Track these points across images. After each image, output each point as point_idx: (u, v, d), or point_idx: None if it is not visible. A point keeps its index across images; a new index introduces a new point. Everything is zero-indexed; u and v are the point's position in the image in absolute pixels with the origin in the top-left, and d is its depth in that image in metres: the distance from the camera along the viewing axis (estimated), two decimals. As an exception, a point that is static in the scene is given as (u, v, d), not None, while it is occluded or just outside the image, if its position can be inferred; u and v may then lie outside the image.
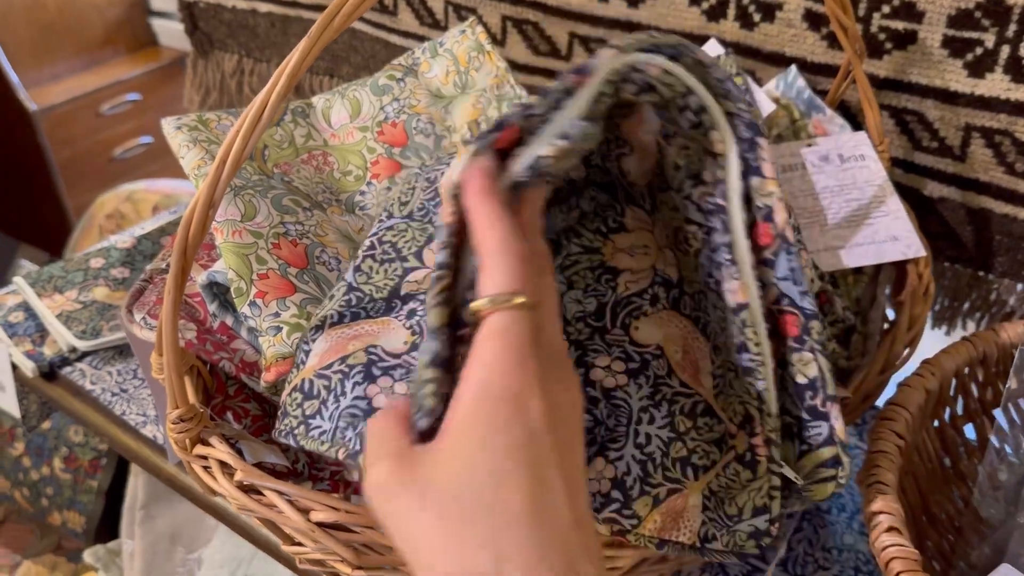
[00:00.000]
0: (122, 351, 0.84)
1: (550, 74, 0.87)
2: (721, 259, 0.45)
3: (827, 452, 0.45)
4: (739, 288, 0.44)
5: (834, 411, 0.45)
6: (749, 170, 0.44)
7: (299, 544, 0.51)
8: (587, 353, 0.49)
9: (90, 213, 1.56)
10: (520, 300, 0.32)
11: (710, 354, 0.49)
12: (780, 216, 0.44)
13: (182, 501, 0.95)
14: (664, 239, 0.51)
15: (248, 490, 0.48)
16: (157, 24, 2.15)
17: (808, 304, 0.45)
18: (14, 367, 0.84)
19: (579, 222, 0.51)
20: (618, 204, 0.51)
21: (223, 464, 0.49)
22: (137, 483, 0.96)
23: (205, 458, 0.49)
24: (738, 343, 0.45)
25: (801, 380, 0.45)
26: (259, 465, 0.54)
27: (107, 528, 1.15)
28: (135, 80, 2.07)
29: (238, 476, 0.48)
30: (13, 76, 1.87)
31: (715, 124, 0.44)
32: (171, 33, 2.12)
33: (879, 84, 0.71)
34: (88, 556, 0.99)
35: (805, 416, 0.45)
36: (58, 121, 1.95)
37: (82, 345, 0.82)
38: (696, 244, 0.48)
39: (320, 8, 0.99)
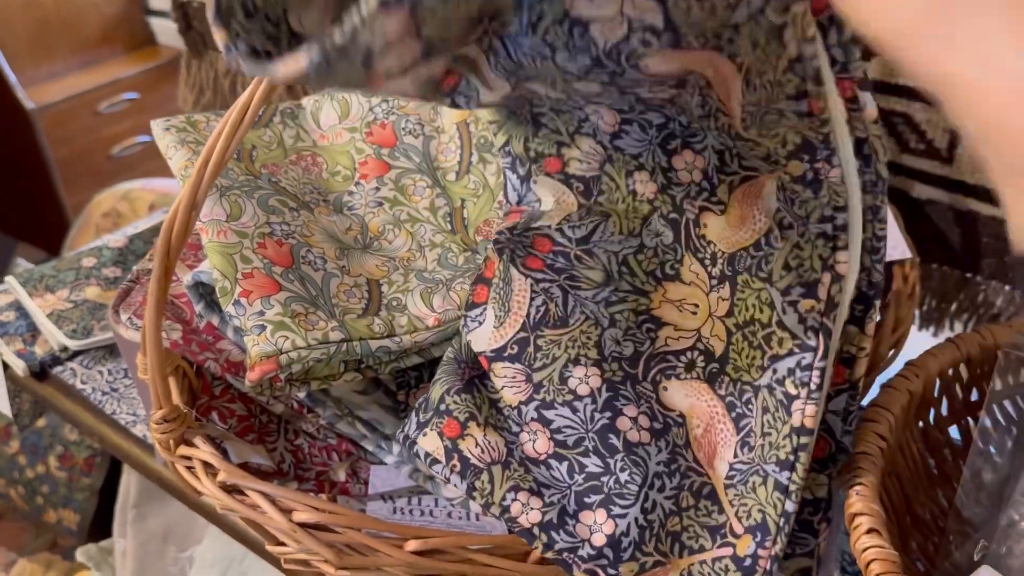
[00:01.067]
0: (113, 350, 0.84)
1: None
2: (806, 379, 0.46)
3: (805, 562, 0.48)
4: (812, 414, 0.46)
5: (824, 532, 0.47)
6: (853, 320, 0.46)
7: (283, 544, 0.51)
8: (617, 398, 0.48)
9: (86, 212, 1.56)
10: None
11: (735, 447, 0.48)
12: (860, 368, 0.47)
13: (174, 500, 0.96)
14: (725, 310, 0.50)
15: (231, 490, 0.48)
16: (155, 23, 2.15)
17: (847, 441, 0.48)
18: (5, 366, 0.84)
19: (635, 255, 0.50)
20: (680, 248, 0.50)
21: (206, 464, 0.49)
22: (129, 482, 0.96)
23: (189, 459, 0.49)
24: (784, 459, 0.46)
25: (807, 496, 0.48)
26: (244, 466, 0.54)
27: (100, 526, 1.16)
28: (133, 79, 2.07)
29: (221, 476, 0.48)
30: (10, 74, 1.87)
31: (849, 247, 0.45)
32: (169, 32, 2.12)
33: (867, 86, 0.71)
34: (80, 555, 0.99)
35: (796, 527, 0.47)
36: (56, 119, 1.95)
37: (73, 344, 0.82)
38: (779, 350, 0.48)
39: (313, 8, 0.99)
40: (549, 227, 0.50)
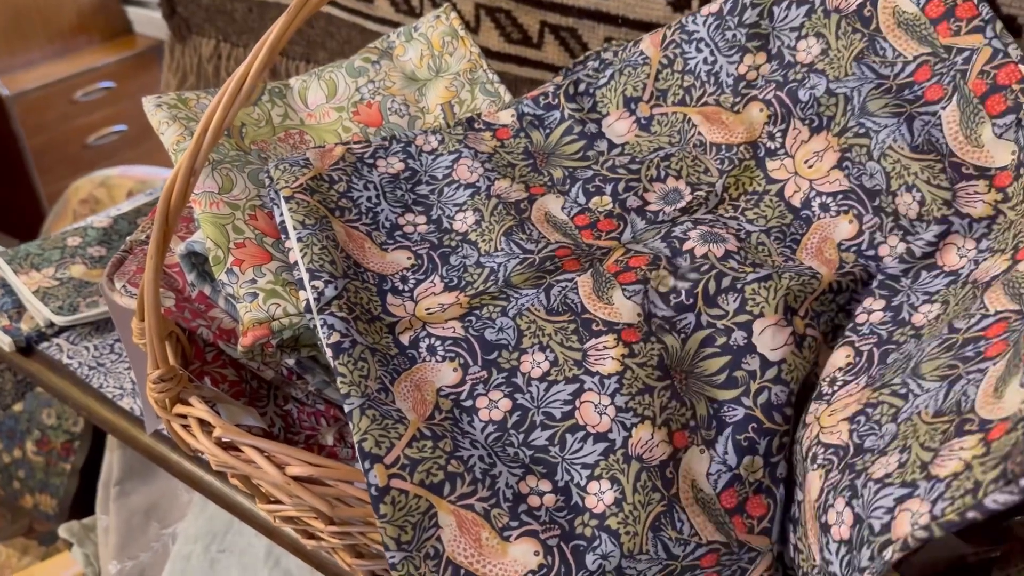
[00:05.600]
0: (99, 327, 0.86)
1: (522, 61, 0.90)
2: None
3: None
4: None
5: None
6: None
7: (275, 502, 0.53)
8: None
9: (64, 198, 1.56)
10: None
11: None
12: None
13: (157, 477, 0.97)
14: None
15: (227, 447, 0.50)
16: (132, 12, 2.15)
17: None
18: (-9, 342, 0.85)
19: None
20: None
21: (202, 422, 0.51)
22: (112, 459, 0.98)
23: (185, 417, 0.51)
24: None
25: None
26: (237, 427, 0.56)
27: (80, 505, 1.16)
28: (109, 68, 2.07)
29: (217, 433, 0.50)
30: (-14, 61, 1.87)
31: None
32: (146, 21, 2.12)
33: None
34: (63, 531, 1.00)
35: None
36: (31, 107, 1.94)
37: (60, 320, 0.83)
38: None
39: (297, -5, 1.01)
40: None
